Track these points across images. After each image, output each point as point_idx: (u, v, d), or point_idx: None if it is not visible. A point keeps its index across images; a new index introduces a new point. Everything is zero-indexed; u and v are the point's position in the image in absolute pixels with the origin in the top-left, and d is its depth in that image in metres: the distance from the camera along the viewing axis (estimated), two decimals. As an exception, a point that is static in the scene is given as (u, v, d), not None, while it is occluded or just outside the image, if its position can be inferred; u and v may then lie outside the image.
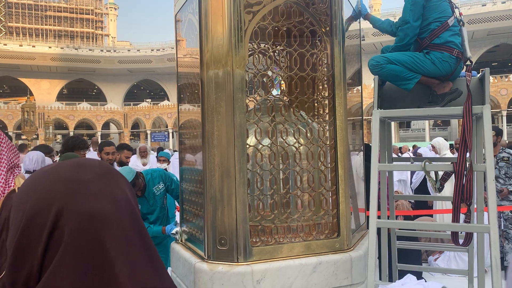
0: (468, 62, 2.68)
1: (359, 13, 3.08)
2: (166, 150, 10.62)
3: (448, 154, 6.50)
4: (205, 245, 2.43)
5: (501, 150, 5.24)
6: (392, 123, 3.76)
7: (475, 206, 2.75)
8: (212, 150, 2.48)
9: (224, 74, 2.49)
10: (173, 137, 49.71)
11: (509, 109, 40.07)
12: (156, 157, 7.29)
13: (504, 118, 39.18)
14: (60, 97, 62.68)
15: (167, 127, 51.87)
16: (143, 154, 7.58)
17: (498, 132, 5.30)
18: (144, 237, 0.64)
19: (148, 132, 52.13)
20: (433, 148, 6.60)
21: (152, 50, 61.74)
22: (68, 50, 59.69)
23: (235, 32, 2.49)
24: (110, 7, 79.02)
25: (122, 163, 5.90)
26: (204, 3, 2.53)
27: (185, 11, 3.00)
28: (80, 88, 67.58)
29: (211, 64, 2.53)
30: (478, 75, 2.76)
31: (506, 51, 53.35)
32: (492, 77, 40.20)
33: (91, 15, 72.65)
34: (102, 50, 62.27)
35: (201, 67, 2.57)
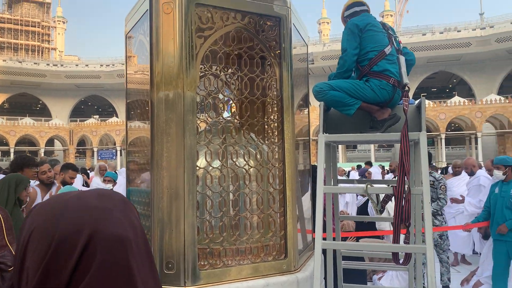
0: (406, 88, 2.87)
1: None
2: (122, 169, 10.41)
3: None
4: (151, 269, 2.38)
5: None
6: (340, 145, 3.93)
7: (415, 227, 2.90)
8: (161, 172, 2.46)
9: (175, 95, 2.49)
10: (121, 155, 48.33)
11: (447, 133, 42.65)
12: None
13: (443, 141, 41.61)
14: (1, 111, 59.30)
15: (115, 144, 50.41)
16: (103, 172, 7.72)
17: None
18: (151, 256, 0.75)
19: (95, 149, 50.34)
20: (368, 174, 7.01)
21: (102, 65, 60.23)
22: (11, 62, 56.88)
23: (186, 55, 2.52)
24: (58, 20, 76.48)
25: (66, 184, 5.67)
26: (155, 25, 2.55)
27: (136, 32, 2.99)
28: (23, 103, 64.30)
29: (161, 85, 2.53)
30: (416, 103, 2.95)
31: (444, 78, 57.10)
32: (432, 102, 42.81)
33: (38, 27, 69.93)
34: (48, 64, 59.93)
35: (151, 88, 2.57)
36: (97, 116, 59.46)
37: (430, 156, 5.59)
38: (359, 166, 15.69)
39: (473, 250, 6.69)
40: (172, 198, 2.42)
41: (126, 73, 3.29)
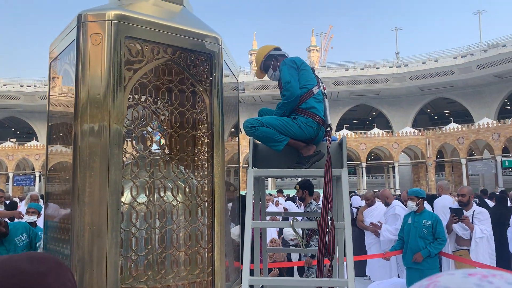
0: (328, 128, 3.05)
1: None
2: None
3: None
4: (68, 313, 2.23)
5: (309, 204, 5.44)
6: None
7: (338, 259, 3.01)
8: (82, 208, 2.34)
9: (100, 128, 2.41)
10: (39, 181, 45.02)
11: (368, 162, 45.19)
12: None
13: (364, 170, 43.97)
14: None
15: (33, 169, 46.91)
16: (36, 201, 7.40)
17: (302, 186, 5.41)
18: None
19: (11, 174, 46.42)
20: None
21: (22, 85, 56.39)
22: None
23: (114, 88, 2.47)
24: (-28, 35, 70.91)
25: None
26: (82, 56, 2.47)
27: (61, 61, 2.88)
28: None
29: (86, 117, 2.44)
30: (338, 140, 3.13)
31: (365, 110, 60.91)
32: (353, 133, 45.34)
33: None
34: (-42, 82, 55.00)
35: (75, 120, 2.46)
36: (15, 139, 55.09)
37: (307, 186, 5.58)
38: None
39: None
40: (94, 236, 2.31)
41: (49, 99, 3.13)
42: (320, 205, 5.42)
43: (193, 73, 2.88)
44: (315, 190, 6.05)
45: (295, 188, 5.58)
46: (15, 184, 43.86)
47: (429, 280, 0.48)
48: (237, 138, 3.80)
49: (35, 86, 55.75)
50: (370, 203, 7.04)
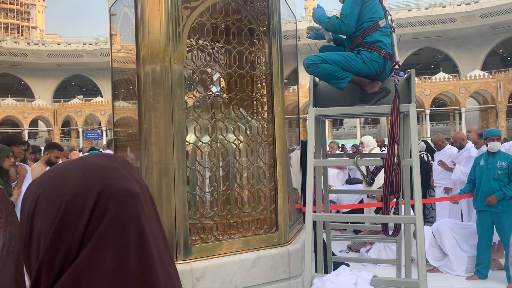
0: (396, 66, 2.86)
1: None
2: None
3: (375, 150, 6.98)
4: (143, 244, 2.38)
5: None
6: (326, 121, 3.96)
7: (403, 199, 2.93)
8: (149, 148, 2.43)
9: (162, 69, 2.44)
10: (107, 135, 47.74)
11: (432, 108, 43.06)
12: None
13: (428, 117, 42.02)
14: (-19, 92, 57.82)
15: (100, 124, 49.72)
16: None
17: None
18: (157, 211, 0.76)
19: (80, 130, 49.64)
20: (361, 143, 7.19)
21: (84, 44, 58.74)
22: (-11, 41, 55.19)
23: (173, 27, 2.46)
24: (37, -3, 74.10)
25: (51, 163, 5.59)
26: (140, -4, 2.46)
27: (120, 4, 2.90)
28: (4, 83, 62.65)
29: (148, 59, 2.47)
30: (405, 76, 2.94)
31: (429, 54, 57.21)
32: (417, 78, 42.95)
33: (16, 5, 67.72)
34: (29, 43, 58.23)
35: (137, 62, 2.50)
36: (81, 96, 58.28)
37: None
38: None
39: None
40: (162, 174, 2.40)
41: (111, 51, 3.20)
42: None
43: (250, 9, 2.79)
44: (380, 137, 5.93)
45: None
46: (85, 139, 46.86)
47: None
48: (294, 88, 3.71)
49: (96, 44, 57.81)
50: (438, 147, 6.68)
